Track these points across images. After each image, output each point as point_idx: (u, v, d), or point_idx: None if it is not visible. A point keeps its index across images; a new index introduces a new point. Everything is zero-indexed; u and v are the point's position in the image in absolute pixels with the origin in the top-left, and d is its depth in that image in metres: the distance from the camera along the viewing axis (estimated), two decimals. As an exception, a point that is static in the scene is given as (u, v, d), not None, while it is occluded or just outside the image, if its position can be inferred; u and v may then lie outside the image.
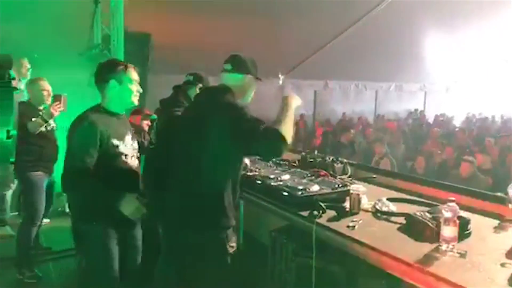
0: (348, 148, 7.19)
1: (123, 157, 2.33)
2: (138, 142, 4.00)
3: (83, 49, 5.68)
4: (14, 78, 3.30)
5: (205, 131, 2.09)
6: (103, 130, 2.22)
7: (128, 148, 2.38)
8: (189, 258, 2.18)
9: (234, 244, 2.24)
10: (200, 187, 2.12)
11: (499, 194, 2.54)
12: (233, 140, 2.02)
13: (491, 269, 1.66)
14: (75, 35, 5.99)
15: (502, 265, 1.70)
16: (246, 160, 3.16)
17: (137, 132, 4.19)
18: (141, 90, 2.39)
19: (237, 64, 2.29)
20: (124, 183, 2.30)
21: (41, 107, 3.79)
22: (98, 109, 2.33)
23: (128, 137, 2.40)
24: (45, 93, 3.79)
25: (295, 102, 2.19)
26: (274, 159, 3.40)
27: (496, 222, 2.21)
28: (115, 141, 2.28)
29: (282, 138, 1.93)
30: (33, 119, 3.63)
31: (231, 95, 2.20)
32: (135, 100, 2.38)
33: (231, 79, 2.27)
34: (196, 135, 2.12)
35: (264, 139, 1.94)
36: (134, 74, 2.35)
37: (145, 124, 4.31)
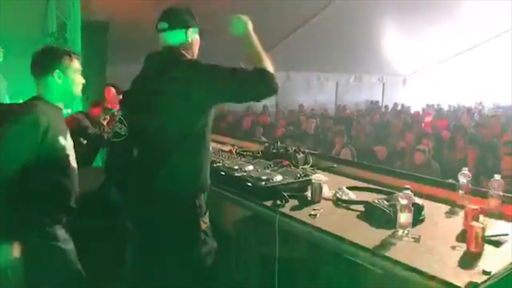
0: (311, 138, 7.33)
1: (70, 158, 2.11)
2: (94, 135, 3.93)
3: (37, 37, 5.43)
4: None
5: (180, 95, 1.96)
6: (49, 127, 1.95)
7: (71, 148, 2.15)
8: (157, 234, 2.05)
9: (207, 220, 2.14)
10: (173, 149, 2.00)
11: (450, 181, 2.68)
12: (217, 93, 1.96)
13: (443, 252, 1.75)
14: (29, 22, 5.72)
15: (453, 248, 1.79)
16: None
17: (95, 125, 4.09)
18: (83, 81, 2.19)
19: (174, 20, 2.07)
20: (66, 192, 2.09)
21: None
22: (39, 101, 2.04)
23: (69, 135, 2.16)
24: None
25: (245, 23, 2.04)
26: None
27: (447, 207, 2.33)
28: (62, 141, 2.05)
29: (266, 74, 1.92)
30: None
31: (182, 55, 2.06)
32: (79, 91, 2.19)
33: (171, 38, 2.07)
34: (169, 100, 1.98)
35: (253, 81, 1.92)
36: (78, 64, 2.16)
37: (103, 118, 4.20)
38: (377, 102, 14.32)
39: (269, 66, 1.98)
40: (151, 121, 2.06)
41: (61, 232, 2.06)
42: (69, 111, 5.08)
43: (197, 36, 2.16)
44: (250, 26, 2.09)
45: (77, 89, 2.17)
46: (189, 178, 2.05)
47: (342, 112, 11.78)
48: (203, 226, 2.10)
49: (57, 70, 2.06)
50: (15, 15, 5.52)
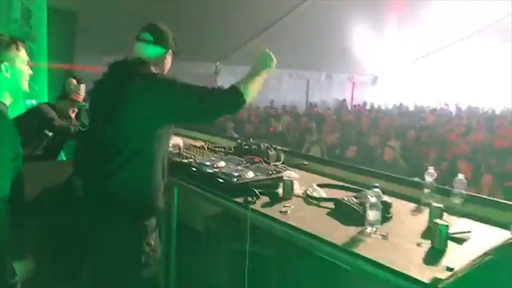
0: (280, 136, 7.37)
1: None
2: (60, 127, 3.80)
3: (1, 24, 5.19)
4: None
5: (133, 108, 1.92)
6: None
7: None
8: (101, 240, 1.99)
9: (152, 243, 2.07)
10: (124, 161, 1.95)
11: (416, 179, 2.77)
12: (177, 111, 1.96)
13: (409, 249, 1.80)
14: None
15: (418, 245, 1.85)
16: (180, 143, 3.12)
17: (63, 117, 3.96)
18: (31, 73, 1.94)
19: (159, 36, 2.09)
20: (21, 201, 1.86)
21: None
22: None
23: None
24: None
25: (265, 60, 2.14)
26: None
27: (413, 205, 2.39)
28: None
29: (238, 93, 1.96)
30: None
31: (150, 69, 2.03)
32: (26, 85, 1.92)
33: (150, 51, 2.08)
34: (121, 113, 1.94)
35: (218, 100, 1.95)
36: (25, 53, 1.88)
37: (71, 111, 4.08)
38: (344, 100, 14.57)
39: (249, 93, 2.03)
40: (107, 126, 2.00)
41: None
42: (34, 102, 4.90)
43: (170, 59, 2.18)
44: (273, 65, 2.22)
45: (26, 82, 1.91)
46: (136, 196, 1.98)
47: (312, 110, 11.94)
48: (147, 248, 2.02)
49: (5, 63, 1.79)
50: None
